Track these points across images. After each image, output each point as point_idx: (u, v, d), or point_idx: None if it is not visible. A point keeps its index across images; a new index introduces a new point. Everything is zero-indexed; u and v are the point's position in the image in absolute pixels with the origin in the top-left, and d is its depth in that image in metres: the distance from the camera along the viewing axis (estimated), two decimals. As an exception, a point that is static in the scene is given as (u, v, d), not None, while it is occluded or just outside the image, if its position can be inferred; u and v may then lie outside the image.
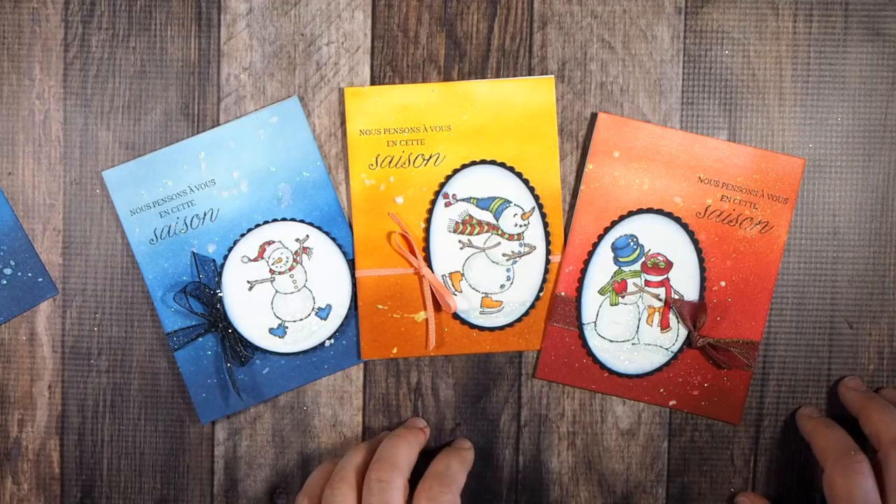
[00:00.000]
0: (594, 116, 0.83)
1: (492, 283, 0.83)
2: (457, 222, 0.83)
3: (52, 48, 0.83)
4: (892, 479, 0.72)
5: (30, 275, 0.83)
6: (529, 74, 0.83)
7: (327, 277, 0.84)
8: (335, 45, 0.83)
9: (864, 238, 0.83)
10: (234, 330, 0.83)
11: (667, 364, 0.83)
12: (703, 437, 0.84)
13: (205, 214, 0.83)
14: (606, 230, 0.82)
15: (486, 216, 0.83)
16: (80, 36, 0.83)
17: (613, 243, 0.82)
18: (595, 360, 0.83)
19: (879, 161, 0.83)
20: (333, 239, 0.83)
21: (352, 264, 0.84)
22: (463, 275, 0.83)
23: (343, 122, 0.83)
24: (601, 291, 0.83)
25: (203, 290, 0.83)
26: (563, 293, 0.83)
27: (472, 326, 0.84)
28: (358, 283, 0.83)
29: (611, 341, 0.83)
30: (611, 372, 0.83)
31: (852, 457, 0.74)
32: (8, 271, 0.83)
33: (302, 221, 0.83)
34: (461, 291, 0.83)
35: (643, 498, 0.85)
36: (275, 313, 0.84)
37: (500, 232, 0.83)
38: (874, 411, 0.76)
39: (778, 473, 0.83)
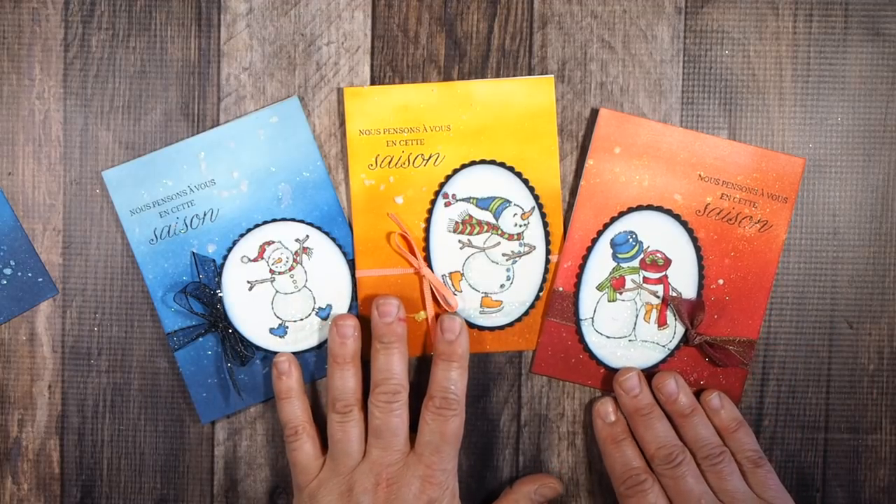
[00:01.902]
0: (595, 113, 0.83)
1: (492, 283, 0.83)
2: (457, 222, 0.83)
3: (52, 48, 0.83)
4: (673, 494, 0.77)
5: (30, 275, 0.83)
6: (529, 74, 0.83)
7: (327, 277, 0.84)
8: (335, 45, 0.83)
9: (864, 238, 0.83)
10: (235, 330, 0.83)
11: (663, 361, 0.83)
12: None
13: (205, 214, 0.83)
14: (606, 226, 0.82)
15: (486, 216, 0.83)
16: (80, 36, 0.83)
17: (612, 239, 0.82)
18: (592, 355, 0.83)
19: (879, 161, 0.83)
20: (333, 239, 0.83)
21: (352, 264, 0.84)
22: (463, 275, 0.83)
23: (343, 122, 0.83)
24: (599, 287, 0.83)
25: (203, 290, 0.83)
26: (560, 288, 0.83)
27: (472, 326, 0.84)
28: (358, 283, 0.83)
29: (608, 337, 0.83)
30: (607, 368, 0.83)
31: (636, 478, 0.78)
32: (8, 271, 0.83)
33: (302, 221, 0.83)
34: (461, 291, 0.83)
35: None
36: (275, 313, 0.84)
37: (499, 232, 0.83)
38: (638, 424, 0.80)
39: (778, 473, 0.83)
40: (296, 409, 0.80)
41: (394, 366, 0.78)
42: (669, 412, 0.80)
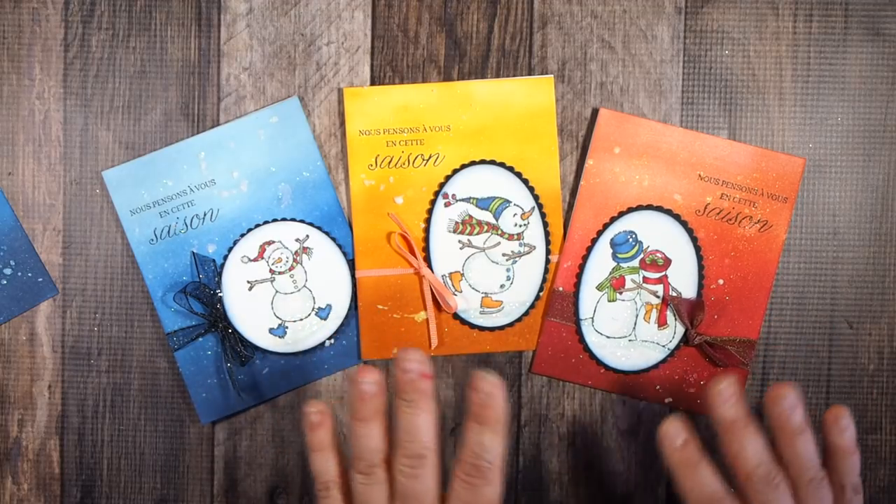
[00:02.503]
0: (595, 112, 0.83)
1: (492, 283, 0.83)
2: (456, 222, 0.83)
3: (52, 48, 0.83)
4: None
5: (30, 275, 0.83)
6: (529, 74, 0.83)
7: (327, 277, 0.84)
8: (335, 45, 0.83)
9: (864, 238, 0.83)
10: (234, 330, 0.83)
11: (663, 361, 0.83)
12: (703, 437, 0.84)
13: (205, 214, 0.83)
14: (606, 226, 0.82)
15: (486, 216, 0.83)
16: (80, 36, 0.83)
17: (612, 239, 0.82)
18: (592, 355, 0.83)
19: (879, 161, 0.83)
20: (333, 239, 0.83)
21: (352, 264, 0.84)
22: (463, 275, 0.83)
23: (343, 123, 0.83)
24: (599, 287, 0.83)
25: (203, 290, 0.83)
26: (560, 288, 0.83)
27: (472, 326, 0.84)
28: (358, 284, 0.83)
29: (608, 337, 0.83)
30: (607, 368, 0.83)
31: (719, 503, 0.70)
32: (8, 271, 0.83)
33: (302, 221, 0.83)
34: (461, 291, 0.83)
35: (643, 498, 0.85)
36: (275, 313, 0.84)
37: (499, 232, 0.83)
38: (737, 437, 0.71)
39: (778, 473, 0.83)
40: (328, 462, 0.72)
41: (418, 427, 0.68)
42: (776, 427, 0.72)
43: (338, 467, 0.72)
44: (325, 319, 0.84)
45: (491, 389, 0.67)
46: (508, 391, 0.84)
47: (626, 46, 0.83)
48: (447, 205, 0.83)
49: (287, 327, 0.84)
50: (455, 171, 0.83)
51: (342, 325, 0.84)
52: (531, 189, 0.82)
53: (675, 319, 0.83)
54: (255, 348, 0.84)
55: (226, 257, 0.83)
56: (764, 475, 0.69)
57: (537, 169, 0.83)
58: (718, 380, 0.72)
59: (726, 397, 0.72)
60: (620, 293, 0.83)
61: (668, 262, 0.82)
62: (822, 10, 0.83)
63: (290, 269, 0.83)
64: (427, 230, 0.83)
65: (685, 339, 0.83)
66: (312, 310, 0.84)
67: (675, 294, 0.82)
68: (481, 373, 0.68)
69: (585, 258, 0.83)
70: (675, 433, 0.73)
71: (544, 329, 0.83)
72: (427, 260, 0.83)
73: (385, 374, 0.83)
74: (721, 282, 0.82)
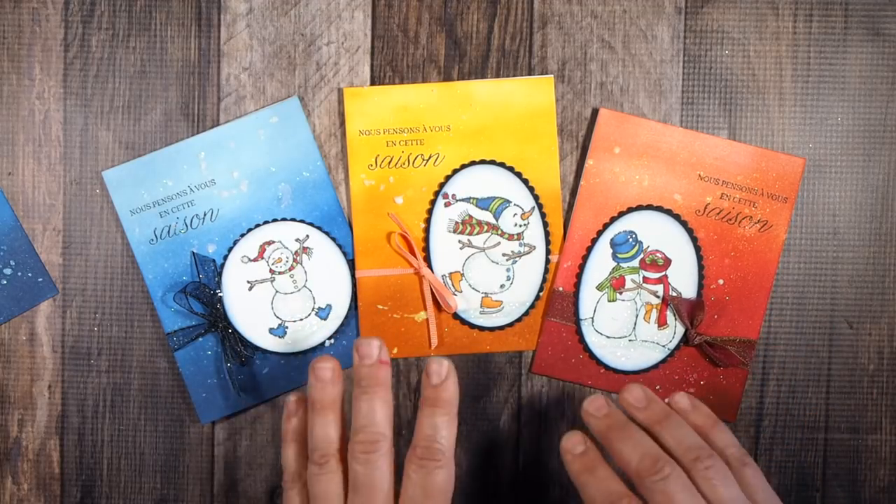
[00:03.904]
0: (595, 112, 0.83)
1: (492, 283, 0.83)
2: (456, 222, 0.83)
3: (52, 48, 0.83)
4: None
5: (30, 275, 0.83)
6: (529, 74, 0.83)
7: (327, 277, 0.84)
8: (335, 45, 0.83)
9: (864, 238, 0.83)
10: (234, 330, 0.83)
11: (663, 361, 0.83)
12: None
13: (205, 214, 0.83)
14: (605, 226, 0.82)
15: (486, 216, 0.83)
16: (80, 36, 0.83)
17: (612, 239, 0.82)
18: (592, 355, 0.83)
19: (879, 161, 0.83)
20: (333, 239, 0.83)
21: (352, 264, 0.84)
22: (463, 275, 0.83)
23: (343, 122, 0.83)
24: (599, 287, 0.83)
25: (203, 290, 0.83)
26: (560, 288, 0.83)
27: (472, 326, 0.84)
28: (358, 284, 0.83)
29: (608, 337, 0.83)
30: (607, 368, 0.83)
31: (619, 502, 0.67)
32: (8, 271, 0.83)
33: (302, 221, 0.83)
34: (461, 291, 0.83)
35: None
36: (275, 313, 0.84)
37: (499, 232, 0.83)
38: (614, 441, 0.70)
39: (778, 473, 0.83)
40: (295, 454, 0.73)
41: (374, 413, 0.69)
42: (643, 423, 0.72)
43: (300, 460, 0.72)
44: (325, 319, 0.84)
45: (444, 373, 0.69)
46: (508, 391, 0.84)
47: (626, 46, 0.83)
48: (447, 205, 0.83)
49: (287, 327, 0.84)
50: (455, 171, 0.83)
51: (342, 325, 0.84)
52: (531, 189, 0.83)
53: (675, 319, 0.83)
54: (255, 348, 0.84)
55: (226, 257, 0.83)
56: (650, 466, 0.67)
57: (537, 169, 0.83)
58: (586, 400, 0.72)
59: (595, 409, 0.72)
60: (620, 293, 0.83)
61: (668, 262, 0.82)
62: (822, 10, 0.83)
63: (290, 269, 0.83)
64: (427, 230, 0.83)
65: (685, 339, 0.83)
66: (312, 310, 0.84)
67: (675, 294, 0.82)
68: (434, 358, 0.69)
69: (585, 258, 0.83)
70: (573, 444, 0.72)
71: (544, 329, 0.83)
72: (427, 260, 0.83)
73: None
74: (721, 282, 0.82)
